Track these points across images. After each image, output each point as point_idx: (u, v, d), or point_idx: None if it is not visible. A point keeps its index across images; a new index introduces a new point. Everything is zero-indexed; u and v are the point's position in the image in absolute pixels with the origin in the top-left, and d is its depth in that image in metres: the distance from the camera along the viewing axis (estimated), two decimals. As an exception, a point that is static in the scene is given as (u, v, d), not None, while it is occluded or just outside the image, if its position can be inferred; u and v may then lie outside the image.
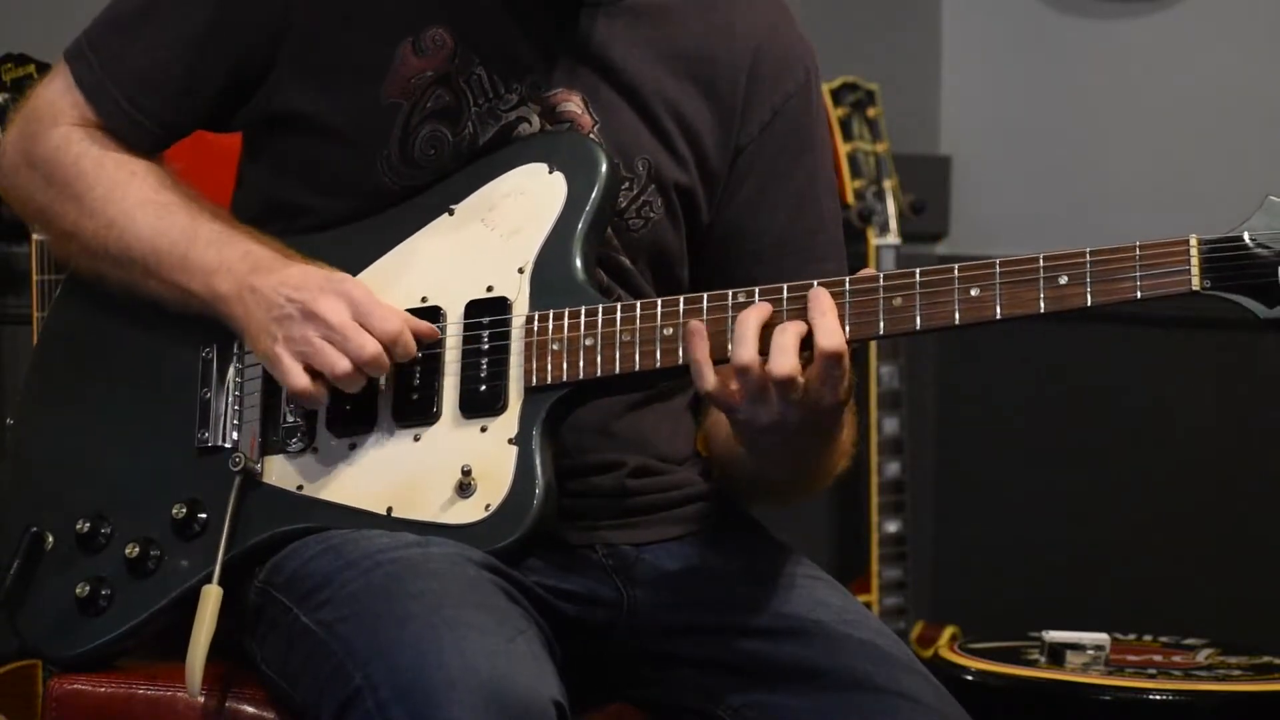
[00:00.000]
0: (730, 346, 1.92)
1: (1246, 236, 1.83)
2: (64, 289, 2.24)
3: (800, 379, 1.90)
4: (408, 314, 2.03)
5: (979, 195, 4.12)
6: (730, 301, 1.95)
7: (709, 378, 1.93)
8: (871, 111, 3.79)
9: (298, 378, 2.00)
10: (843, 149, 3.75)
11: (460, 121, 2.10)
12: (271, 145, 2.16)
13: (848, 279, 1.93)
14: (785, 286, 1.94)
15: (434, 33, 2.10)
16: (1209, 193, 3.74)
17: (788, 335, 1.90)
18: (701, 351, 1.93)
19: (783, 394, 1.91)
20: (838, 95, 3.76)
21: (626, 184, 2.11)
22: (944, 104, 4.15)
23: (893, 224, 3.77)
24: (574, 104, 2.11)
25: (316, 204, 2.13)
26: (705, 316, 1.95)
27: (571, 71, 2.11)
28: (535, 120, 2.11)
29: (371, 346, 1.99)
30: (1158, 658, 3.09)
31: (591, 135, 2.11)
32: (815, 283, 1.93)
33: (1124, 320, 3.77)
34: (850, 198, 3.74)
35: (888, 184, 3.78)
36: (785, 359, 1.90)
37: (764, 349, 1.91)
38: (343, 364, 1.99)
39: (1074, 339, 3.89)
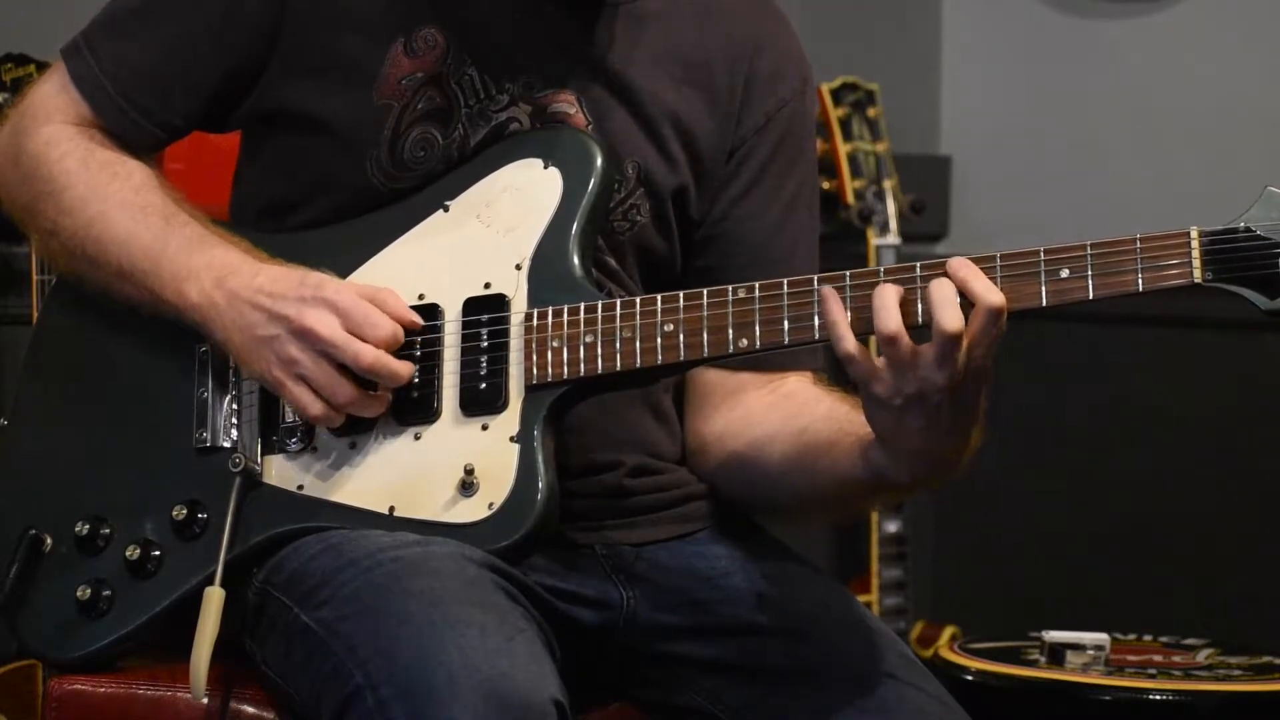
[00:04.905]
0: (874, 319, 1.86)
1: (1246, 227, 1.82)
2: (56, 286, 2.23)
3: (964, 338, 1.85)
4: (401, 305, 2.02)
5: (979, 195, 4.11)
6: (730, 297, 1.95)
7: (849, 339, 1.87)
8: (871, 111, 3.78)
9: (312, 405, 2.00)
10: (843, 149, 3.75)
11: (451, 123, 2.09)
12: (267, 144, 2.16)
13: (848, 273, 1.91)
14: (786, 281, 1.93)
15: (426, 33, 2.09)
16: (1208, 193, 3.74)
17: (946, 289, 1.85)
18: (838, 312, 1.89)
19: (942, 357, 1.85)
20: (838, 95, 3.76)
21: (615, 185, 2.10)
22: (944, 104, 4.15)
23: (893, 224, 3.76)
24: (568, 104, 2.10)
25: (309, 202, 2.13)
26: (706, 312, 1.95)
27: (566, 72, 2.11)
28: (525, 121, 2.10)
29: (368, 356, 1.99)
30: (1158, 658, 3.09)
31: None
32: (811, 283, 1.93)
33: (1124, 320, 3.77)
34: (850, 198, 3.73)
35: (888, 184, 3.77)
36: (950, 311, 1.84)
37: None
38: (344, 393, 1.99)
39: (1074, 339, 3.89)
